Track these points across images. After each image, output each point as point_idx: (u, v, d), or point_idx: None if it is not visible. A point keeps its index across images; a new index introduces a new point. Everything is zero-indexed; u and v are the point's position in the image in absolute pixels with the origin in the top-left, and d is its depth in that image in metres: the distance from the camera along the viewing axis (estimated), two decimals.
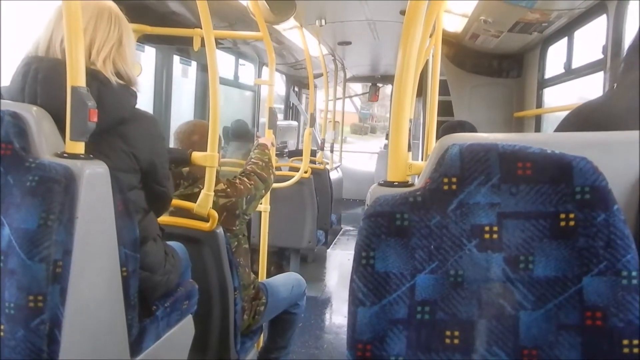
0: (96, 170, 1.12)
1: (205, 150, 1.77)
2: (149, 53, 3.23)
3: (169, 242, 1.59)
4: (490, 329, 0.75)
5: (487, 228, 0.76)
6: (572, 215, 0.73)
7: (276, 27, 3.59)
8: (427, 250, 0.76)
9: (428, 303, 0.76)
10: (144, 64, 2.58)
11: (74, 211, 1.05)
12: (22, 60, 1.26)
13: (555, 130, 1.10)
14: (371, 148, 10.31)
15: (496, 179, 0.75)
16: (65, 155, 1.10)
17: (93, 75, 1.24)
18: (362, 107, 15.40)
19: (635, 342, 0.70)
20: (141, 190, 1.38)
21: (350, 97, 9.53)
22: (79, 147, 1.11)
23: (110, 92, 1.26)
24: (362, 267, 0.77)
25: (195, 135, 1.99)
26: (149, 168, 1.37)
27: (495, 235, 0.75)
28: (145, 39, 2.63)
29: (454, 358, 0.75)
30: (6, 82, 1.25)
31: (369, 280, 0.77)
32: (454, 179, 0.76)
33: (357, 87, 9.33)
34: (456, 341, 0.75)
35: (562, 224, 0.73)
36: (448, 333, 0.76)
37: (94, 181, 1.11)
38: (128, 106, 1.32)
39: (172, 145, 2.06)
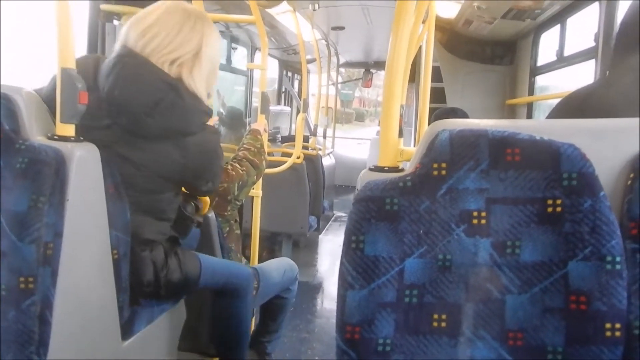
0: (87, 153, 1.12)
1: None
2: None
3: None
4: (477, 312, 0.76)
5: (475, 213, 0.76)
6: (559, 201, 0.74)
7: (269, 10, 3.56)
8: (416, 235, 0.77)
9: (416, 287, 0.77)
10: None
11: (65, 193, 1.05)
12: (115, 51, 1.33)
13: (548, 117, 1.11)
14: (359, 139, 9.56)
15: (485, 165, 0.76)
16: (55, 137, 1.09)
17: (172, 86, 1.30)
18: (343, 87, 11.43)
19: (618, 325, 0.72)
20: (161, 195, 1.39)
21: (344, 82, 9.44)
22: (69, 130, 1.11)
23: (183, 105, 1.32)
24: (351, 251, 0.78)
25: None
26: (191, 179, 1.42)
27: (483, 221, 0.76)
28: None
29: (441, 340, 0.77)
30: (6, 80, 1.23)
31: (358, 264, 0.77)
32: (444, 165, 0.77)
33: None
34: (443, 324, 0.77)
35: (549, 209, 0.74)
36: (436, 316, 0.77)
37: (85, 164, 1.11)
38: (198, 122, 1.36)
39: None
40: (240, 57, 4.98)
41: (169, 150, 1.32)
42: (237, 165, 2.00)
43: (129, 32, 1.34)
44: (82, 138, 1.13)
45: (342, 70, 6.84)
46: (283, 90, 6.84)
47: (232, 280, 1.67)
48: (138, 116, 1.27)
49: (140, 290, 1.39)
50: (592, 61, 2.32)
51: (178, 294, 1.56)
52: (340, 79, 7.04)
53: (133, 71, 1.28)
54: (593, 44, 2.31)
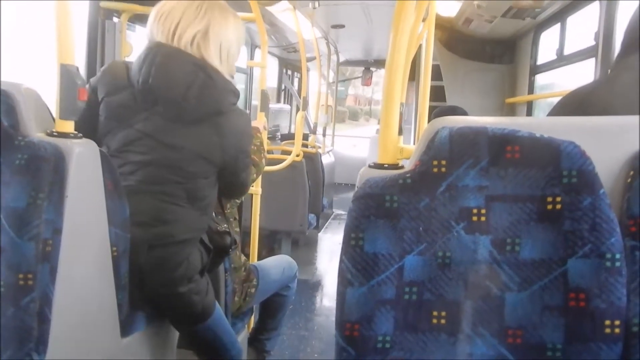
0: (86, 150, 1.12)
1: None
2: (140, 33, 3.19)
3: None
4: (476, 309, 0.76)
5: (475, 210, 0.76)
6: (558, 199, 0.74)
7: (269, 8, 3.55)
8: (416, 232, 0.77)
9: (416, 284, 0.77)
10: (135, 45, 2.54)
11: (64, 190, 1.05)
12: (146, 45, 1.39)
13: (549, 114, 1.11)
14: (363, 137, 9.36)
15: (485, 162, 0.76)
16: (54, 134, 1.09)
17: (200, 67, 1.35)
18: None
19: (617, 322, 0.72)
20: (206, 180, 1.41)
21: (343, 80, 9.42)
22: (69, 126, 1.11)
23: (214, 85, 1.36)
24: (351, 248, 0.78)
25: None
26: (231, 161, 1.43)
27: (483, 218, 0.76)
28: (136, 19, 2.59)
29: (440, 338, 0.77)
30: (5, 79, 1.23)
31: (357, 261, 0.77)
32: (444, 162, 0.77)
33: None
34: (443, 321, 0.77)
35: (549, 207, 0.74)
36: (435, 313, 0.77)
37: (84, 160, 1.10)
38: (228, 102, 1.39)
39: None
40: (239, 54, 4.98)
41: (206, 131, 1.36)
42: None
43: (153, 26, 1.39)
44: (80, 135, 1.12)
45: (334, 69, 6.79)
46: (283, 88, 6.83)
47: (229, 347, 1.64)
48: (174, 101, 1.33)
49: (149, 289, 1.38)
50: (592, 60, 2.32)
51: (178, 319, 1.52)
52: (333, 78, 6.97)
53: (163, 59, 1.33)
54: (593, 42, 2.31)
